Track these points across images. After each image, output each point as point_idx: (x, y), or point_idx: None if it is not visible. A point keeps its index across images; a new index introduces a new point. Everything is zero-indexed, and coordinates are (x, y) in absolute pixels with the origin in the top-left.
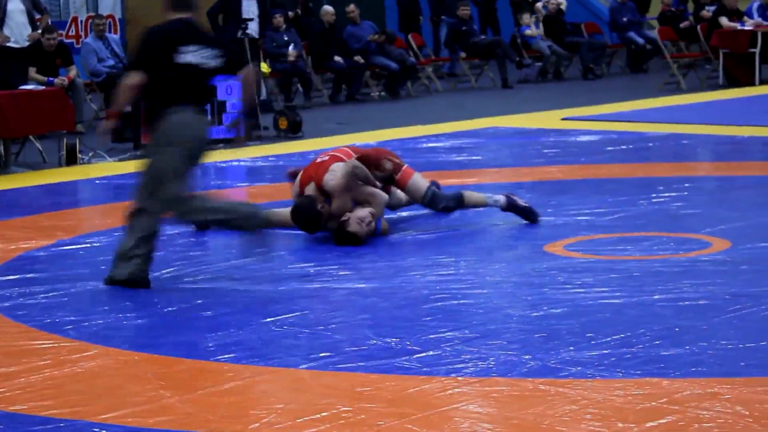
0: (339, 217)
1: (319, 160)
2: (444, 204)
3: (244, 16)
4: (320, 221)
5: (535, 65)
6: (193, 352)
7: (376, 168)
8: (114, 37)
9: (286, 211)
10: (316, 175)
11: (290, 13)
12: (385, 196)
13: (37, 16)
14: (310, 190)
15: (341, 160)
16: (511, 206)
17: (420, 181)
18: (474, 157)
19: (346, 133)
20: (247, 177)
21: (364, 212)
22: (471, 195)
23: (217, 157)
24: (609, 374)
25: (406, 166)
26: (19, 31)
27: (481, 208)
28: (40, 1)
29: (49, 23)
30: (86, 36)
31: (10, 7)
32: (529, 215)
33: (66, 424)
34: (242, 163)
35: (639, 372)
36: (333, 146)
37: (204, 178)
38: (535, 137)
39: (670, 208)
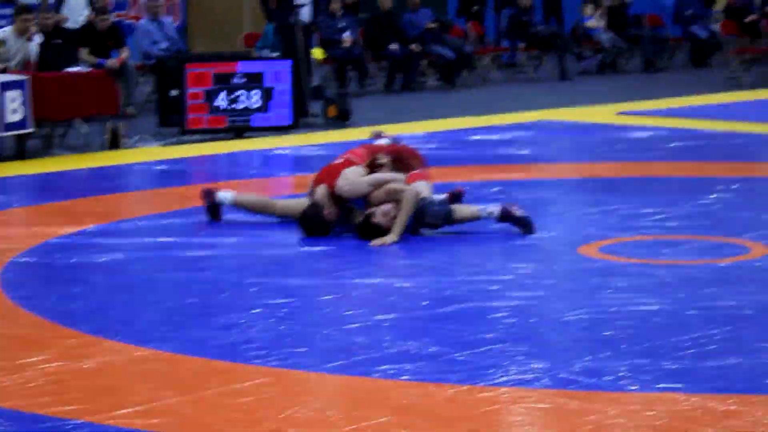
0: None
1: (335, 161)
2: (430, 219)
3: (296, 1)
4: (327, 229)
5: (596, 57)
6: (201, 349)
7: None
8: (168, 20)
9: (304, 202)
10: (329, 178)
11: None
12: (411, 190)
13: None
14: (321, 191)
15: (355, 163)
16: (506, 216)
17: (420, 189)
18: (522, 152)
19: (397, 122)
20: (293, 166)
21: (389, 205)
22: (462, 209)
23: (262, 144)
24: (627, 387)
25: (417, 171)
26: (77, 12)
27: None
28: None
29: (108, 5)
30: None
31: None
32: (526, 226)
33: (59, 423)
34: (288, 152)
35: (660, 386)
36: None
37: (247, 167)
38: (588, 132)
39: (714, 210)
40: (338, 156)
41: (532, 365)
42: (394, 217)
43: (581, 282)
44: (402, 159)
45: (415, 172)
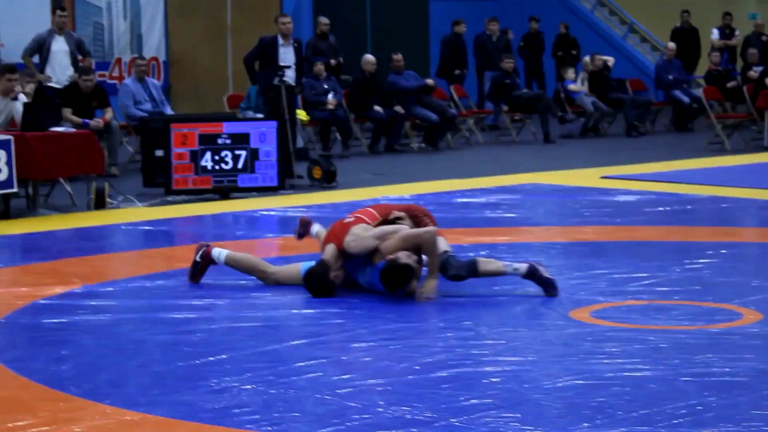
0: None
1: (346, 220)
2: (454, 272)
3: (281, 63)
4: (332, 290)
5: (579, 120)
6: (192, 414)
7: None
8: (153, 81)
9: (296, 269)
10: (338, 237)
11: (332, 61)
12: (429, 230)
13: (80, 58)
14: (330, 250)
15: (365, 222)
16: (531, 275)
17: (439, 244)
18: (508, 215)
19: (381, 185)
20: (277, 227)
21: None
22: (487, 263)
23: (247, 206)
24: None
25: (431, 228)
26: (61, 72)
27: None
28: (84, 43)
29: (92, 66)
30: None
31: (54, 47)
32: (549, 288)
33: None
34: (273, 213)
35: None
36: (369, 198)
37: (233, 227)
38: (573, 195)
39: (703, 275)
40: (348, 215)
41: None
42: (418, 261)
43: (574, 347)
44: (416, 217)
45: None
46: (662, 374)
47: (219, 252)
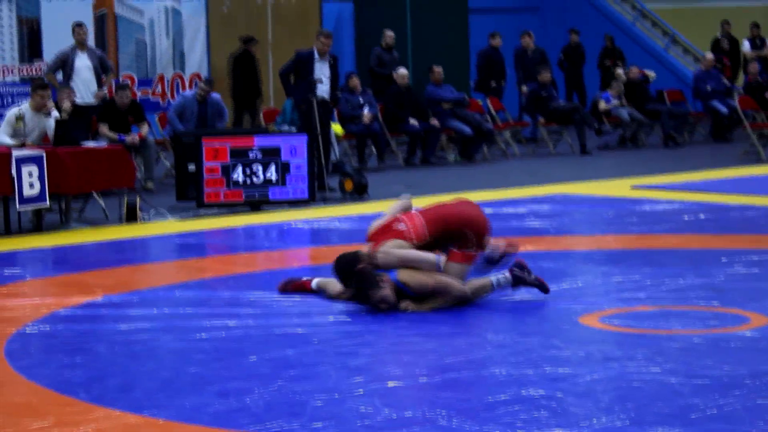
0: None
1: (397, 227)
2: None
3: (315, 77)
4: (354, 279)
5: (616, 132)
6: (196, 417)
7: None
8: (216, 96)
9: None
10: (377, 243)
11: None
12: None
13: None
14: (367, 248)
15: (408, 239)
16: (519, 281)
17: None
18: (533, 224)
19: (416, 196)
20: (309, 239)
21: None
22: (474, 291)
23: (279, 217)
24: None
25: (460, 251)
26: (85, 88)
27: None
28: (106, 59)
29: (114, 83)
30: (172, 95)
31: (78, 64)
32: (540, 288)
33: None
34: (304, 225)
35: None
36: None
37: (265, 239)
38: (601, 205)
39: (718, 281)
40: (402, 219)
41: None
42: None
43: (579, 351)
44: (461, 237)
45: (457, 251)
46: (659, 377)
47: (316, 282)
